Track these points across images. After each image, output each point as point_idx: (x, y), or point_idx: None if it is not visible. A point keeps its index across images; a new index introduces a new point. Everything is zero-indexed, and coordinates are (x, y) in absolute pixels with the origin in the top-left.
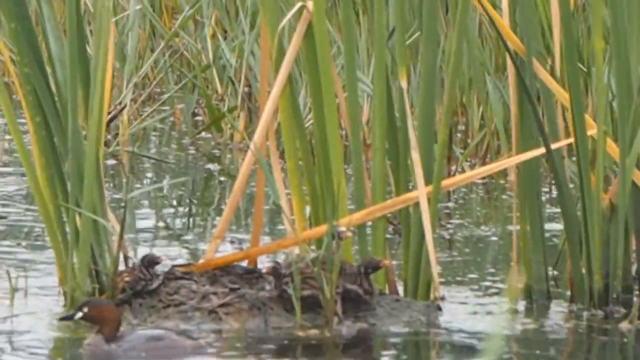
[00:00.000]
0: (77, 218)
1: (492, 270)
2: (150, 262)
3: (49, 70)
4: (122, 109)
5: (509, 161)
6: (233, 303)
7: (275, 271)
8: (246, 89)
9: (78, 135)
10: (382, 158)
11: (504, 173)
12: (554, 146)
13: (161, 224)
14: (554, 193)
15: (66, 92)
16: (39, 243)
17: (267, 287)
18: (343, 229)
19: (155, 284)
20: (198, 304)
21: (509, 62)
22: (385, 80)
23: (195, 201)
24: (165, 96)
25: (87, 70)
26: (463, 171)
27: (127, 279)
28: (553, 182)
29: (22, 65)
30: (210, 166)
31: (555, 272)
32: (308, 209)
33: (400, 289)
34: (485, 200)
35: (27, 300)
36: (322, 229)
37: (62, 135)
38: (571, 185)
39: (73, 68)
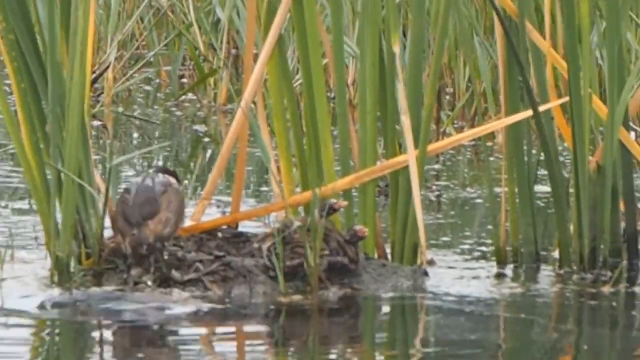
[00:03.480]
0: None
1: (479, 233)
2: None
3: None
4: (106, 68)
5: (496, 124)
6: (218, 271)
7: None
8: (234, 51)
9: (59, 97)
10: (373, 121)
11: (492, 135)
12: (542, 108)
13: None
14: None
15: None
16: (26, 205)
17: (256, 246)
18: (335, 201)
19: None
20: (183, 275)
21: (496, 22)
22: (377, 43)
23: (181, 164)
24: (151, 54)
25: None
26: (450, 134)
27: (112, 245)
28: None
29: (7, 31)
30: (197, 127)
31: (544, 235)
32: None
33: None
34: (473, 162)
35: (13, 265)
36: (311, 193)
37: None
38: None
39: (52, 28)
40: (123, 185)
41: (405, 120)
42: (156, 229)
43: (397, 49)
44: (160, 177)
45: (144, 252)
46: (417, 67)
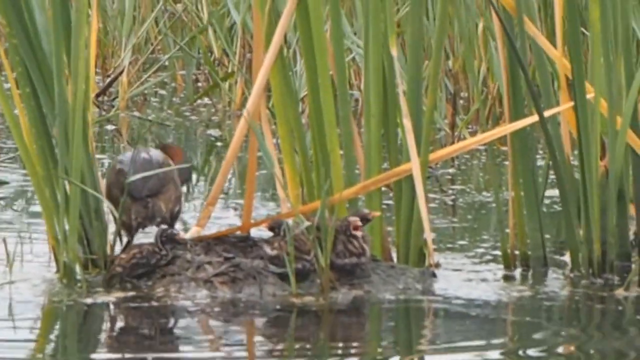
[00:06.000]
0: (67, 186)
1: (490, 236)
2: (168, 237)
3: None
4: (121, 72)
5: (502, 130)
6: (228, 272)
7: (273, 229)
8: (249, 55)
9: (65, 102)
10: (378, 125)
11: (506, 139)
12: (547, 113)
13: None
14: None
15: (51, 60)
16: (38, 209)
17: (266, 248)
18: (367, 210)
19: (168, 259)
20: (193, 274)
21: (496, 21)
22: (380, 46)
23: (195, 169)
24: (166, 57)
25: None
26: (464, 138)
27: (137, 255)
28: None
29: (10, 36)
30: (212, 132)
31: (555, 239)
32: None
33: (394, 255)
34: (488, 166)
35: (22, 267)
36: (319, 203)
37: (51, 104)
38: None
39: (57, 33)
40: None
41: (407, 124)
42: (168, 206)
43: (394, 52)
44: (154, 151)
45: (154, 225)
46: (417, 71)
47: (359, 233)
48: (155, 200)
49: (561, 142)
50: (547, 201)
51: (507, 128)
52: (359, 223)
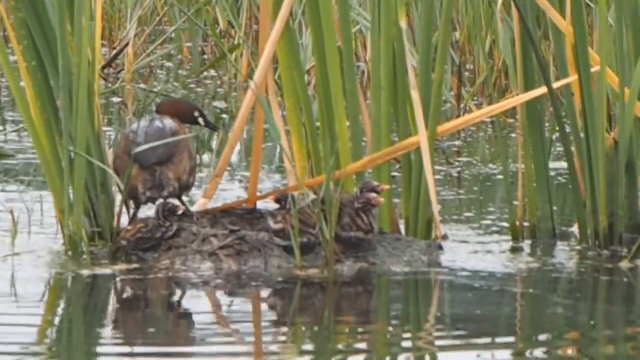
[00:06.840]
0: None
1: (497, 209)
2: (170, 211)
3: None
4: (126, 45)
5: (510, 102)
6: (233, 245)
7: (279, 202)
8: (255, 27)
9: (69, 73)
10: (388, 98)
11: (513, 112)
12: (555, 85)
13: None
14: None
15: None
16: (45, 181)
17: (270, 222)
18: (377, 183)
19: (173, 231)
20: (199, 247)
21: None
22: (393, 16)
23: (201, 141)
24: (172, 29)
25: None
26: (470, 110)
27: (144, 229)
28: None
29: (16, 10)
30: (218, 104)
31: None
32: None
33: (403, 228)
34: (494, 139)
35: (29, 239)
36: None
37: (58, 77)
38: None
39: (61, 4)
40: None
41: (415, 96)
42: (178, 175)
43: (403, 24)
44: (168, 120)
45: (164, 197)
46: (428, 42)
47: (376, 209)
48: (164, 169)
49: (575, 113)
50: (552, 173)
51: (517, 99)
52: (381, 200)
